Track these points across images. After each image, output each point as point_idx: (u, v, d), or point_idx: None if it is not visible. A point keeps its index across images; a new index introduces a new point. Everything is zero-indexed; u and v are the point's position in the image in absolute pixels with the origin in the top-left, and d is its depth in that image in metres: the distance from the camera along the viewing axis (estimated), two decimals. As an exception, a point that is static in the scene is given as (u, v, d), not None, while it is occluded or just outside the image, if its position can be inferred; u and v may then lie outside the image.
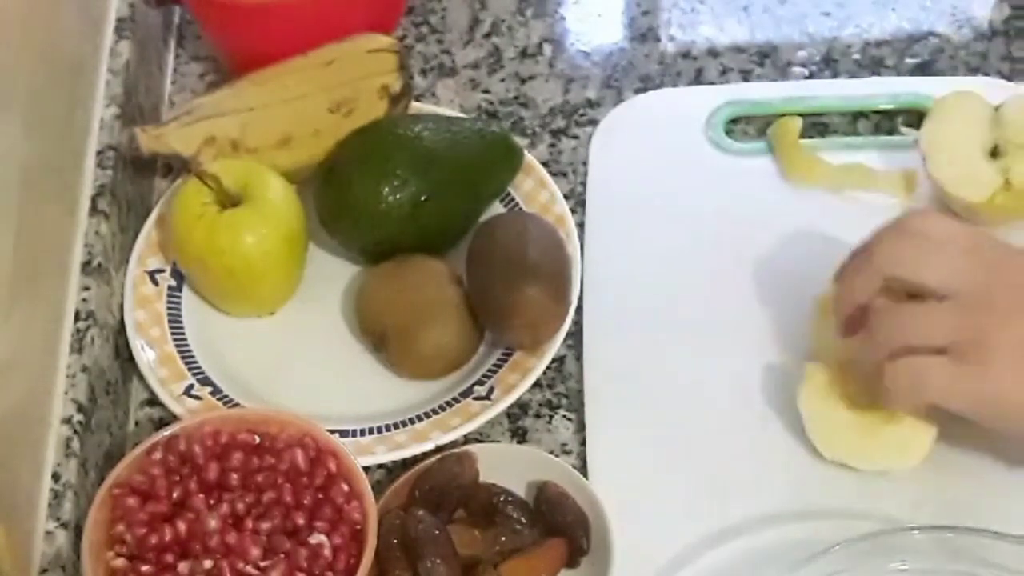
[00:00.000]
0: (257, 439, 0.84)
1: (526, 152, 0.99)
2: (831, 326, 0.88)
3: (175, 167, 1.02)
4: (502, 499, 0.84)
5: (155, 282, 0.95)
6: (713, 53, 1.10)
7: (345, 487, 0.82)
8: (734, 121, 1.05)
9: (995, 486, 0.86)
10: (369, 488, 0.82)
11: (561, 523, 0.83)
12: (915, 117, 1.02)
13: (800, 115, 1.03)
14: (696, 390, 0.91)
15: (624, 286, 0.95)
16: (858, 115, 1.05)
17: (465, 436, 0.89)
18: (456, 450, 0.86)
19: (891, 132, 1.04)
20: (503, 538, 0.83)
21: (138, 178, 1.00)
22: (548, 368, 0.92)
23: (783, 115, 1.03)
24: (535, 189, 0.99)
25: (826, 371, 0.87)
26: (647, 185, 1.01)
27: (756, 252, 0.97)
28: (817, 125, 1.04)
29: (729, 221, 0.98)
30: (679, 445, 0.89)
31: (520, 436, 0.91)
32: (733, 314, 0.94)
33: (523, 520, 0.84)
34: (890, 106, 1.04)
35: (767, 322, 0.93)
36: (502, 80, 1.08)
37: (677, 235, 0.98)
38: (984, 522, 0.80)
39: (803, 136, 1.04)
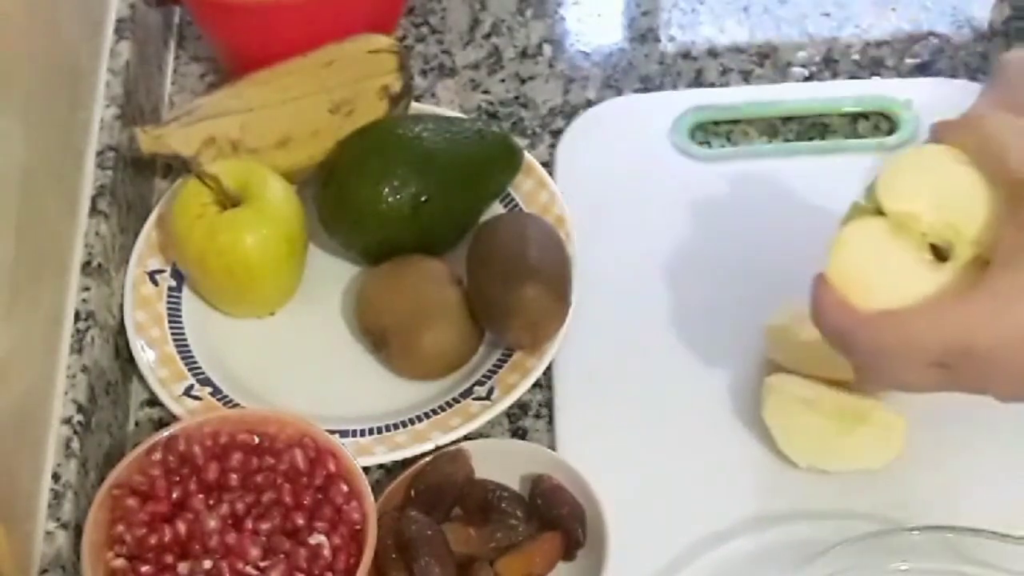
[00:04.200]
0: (256, 439, 0.84)
1: (526, 152, 1.00)
2: (785, 338, 0.89)
3: (175, 167, 1.02)
4: (497, 495, 0.84)
5: (155, 282, 0.95)
6: (713, 53, 1.10)
7: (344, 487, 0.82)
8: (701, 126, 1.04)
9: (967, 481, 0.86)
10: (368, 488, 0.82)
11: (556, 516, 0.83)
12: (884, 120, 1.04)
13: (780, 118, 1.04)
14: (667, 396, 0.91)
15: (592, 293, 0.94)
16: (859, 116, 1.05)
17: (465, 436, 0.89)
18: (449, 448, 0.86)
19: (890, 132, 1.04)
20: (498, 534, 0.83)
21: (138, 178, 1.00)
22: (548, 368, 0.92)
23: (748, 119, 1.04)
24: (535, 189, 0.99)
25: (786, 380, 0.88)
26: (612, 193, 1.00)
27: (724, 259, 0.97)
28: (817, 126, 1.05)
29: (695, 228, 0.98)
30: (656, 453, 0.89)
31: (520, 436, 0.91)
32: (704, 319, 0.94)
33: (518, 515, 0.83)
34: (855, 109, 1.05)
35: (737, 327, 0.93)
36: (502, 80, 1.08)
37: (643, 243, 0.98)
38: (959, 517, 0.80)
39: (804, 138, 1.04)
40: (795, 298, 0.89)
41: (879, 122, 1.04)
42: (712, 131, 1.05)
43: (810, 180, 1.00)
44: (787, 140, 1.04)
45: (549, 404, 0.92)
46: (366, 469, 0.84)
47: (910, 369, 0.75)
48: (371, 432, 0.89)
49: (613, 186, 1.00)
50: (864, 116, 1.05)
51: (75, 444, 0.82)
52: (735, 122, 1.05)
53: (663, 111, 1.04)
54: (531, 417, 0.91)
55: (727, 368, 0.92)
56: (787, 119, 1.05)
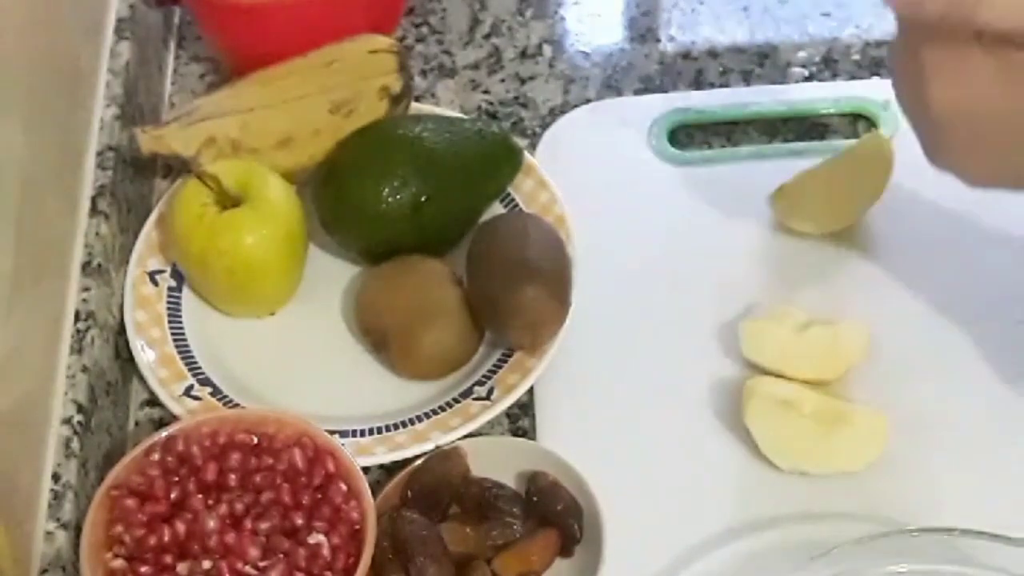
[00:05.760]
0: (255, 439, 0.84)
1: (526, 152, 1.00)
2: (763, 341, 0.90)
3: (175, 167, 1.02)
4: (493, 492, 0.84)
5: (155, 283, 0.96)
6: (713, 54, 1.10)
7: (343, 487, 0.82)
8: (683, 128, 1.05)
9: (950, 480, 0.87)
10: (367, 488, 0.82)
11: (553, 512, 0.83)
12: (863, 123, 1.04)
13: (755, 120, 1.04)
14: (652, 397, 0.91)
15: (575, 295, 0.93)
16: (858, 117, 1.05)
17: (466, 436, 0.88)
18: (444, 447, 0.86)
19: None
20: (495, 532, 0.83)
21: (138, 178, 1.00)
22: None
23: (726, 122, 1.04)
24: (535, 189, 0.99)
25: (766, 383, 0.88)
26: (591, 199, 0.99)
27: (701, 261, 0.97)
28: (817, 126, 1.05)
29: (675, 232, 0.98)
30: (646, 452, 0.89)
31: (520, 436, 0.91)
32: (684, 323, 0.94)
33: (515, 512, 0.84)
34: (831, 111, 1.04)
35: (719, 330, 0.93)
36: (502, 81, 1.09)
37: (621, 246, 0.98)
38: (943, 516, 0.81)
39: (802, 138, 1.04)
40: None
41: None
42: (713, 131, 1.05)
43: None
44: (787, 140, 1.04)
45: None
46: (366, 469, 0.84)
47: None
48: (371, 432, 0.89)
49: (590, 191, 1.00)
50: (865, 117, 1.05)
51: (75, 444, 0.82)
52: (734, 123, 1.05)
53: (641, 115, 1.04)
54: (531, 417, 0.91)
55: (712, 369, 0.92)
56: (787, 120, 1.05)
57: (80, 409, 0.83)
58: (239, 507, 0.80)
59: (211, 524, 0.79)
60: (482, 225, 0.95)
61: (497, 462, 0.86)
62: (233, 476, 0.82)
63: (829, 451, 0.86)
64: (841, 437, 0.86)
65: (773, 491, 0.86)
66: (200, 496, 0.81)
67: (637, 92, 1.07)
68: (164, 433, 0.84)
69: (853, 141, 1.00)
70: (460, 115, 1.02)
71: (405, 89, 0.99)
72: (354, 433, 0.89)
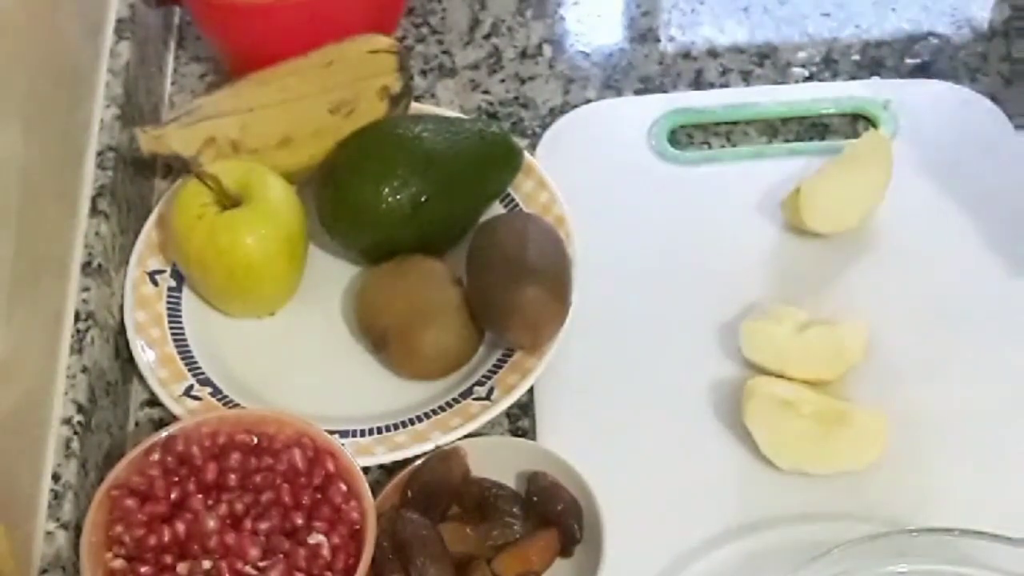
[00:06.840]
0: (255, 439, 0.84)
1: (526, 152, 1.00)
2: (763, 341, 0.90)
3: (175, 168, 1.02)
4: (493, 492, 0.84)
5: (155, 283, 0.96)
6: (713, 54, 1.10)
7: (343, 487, 0.82)
8: (683, 128, 1.05)
9: (949, 479, 0.87)
10: (367, 488, 0.82)
11: (553, 512, 0.83)
12: (863, 123, 1.04)
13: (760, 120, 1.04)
14: (652, 397, 0.91)
15: (575, 296, 0.93)
16: (858, 117, 1.05)
17: (466, 437, 0.88)
18: (444, 447, 0.86)
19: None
20: (495, 532, 0.83)
21: (138, 179, 1.00)
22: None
23: (727, 123, 1.04)
24: (535, 190, 0.99)
25: (766, 383, 0.88)
26: (591, 199, 0.99)
27: (701, 262, 0.97)
28: (817, 126, 1.05)
29: (674, 232, 0.99)
30: (645, 452, 0.89)
31: (520, 436, 0.91)
32: (684, 323, 0.94)
33: (515, 512, 0.84)
34: (831, 111, 1.05)
35: (719, 330, 0.93)
36: (502, 81, 1.09)
37: (621, 246, 0.98)
38: (943, 516, 0.81)
39: (805, 138, 1.04)
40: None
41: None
42: (713, 131, 1.05)
43: (792, 183, 0.99)
44: (787, 140, 1.04)
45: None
46: (366, 469, 0.84)
47: None
48: (371, 432, 0.89)
49: (590, 191, 1.00)
50: (865, 118, 1.05)
51: (75, 444, 0.82)
52: (734, 123, 1.05)
53: (641, 115, 1.04)
54: (531, 417, 0.91)
55: (712, 369, 0.92)
56: (786, 120, 1.05)
57: (80, 409, 0.83)
58: (239, 507, 0.80)
59: (211, 524, 0.79)
60: (482, 225, 0.95)
61: (497, 462, 0.86)
62: (233, 476, 0.82)
63: (829, 451, 0.86)
64: (841, 437, 0.86)
65: (773, 491, 0.86)
66: (200, 496, 0.81)
67: (637, 92, 1.07)
68: (164, 433, 0.84)
69: (854, 141, 1.00)
70: (460, 115, 1.02)
71: (405, 89, 0.99)
72: (354, 433, 0.89)
